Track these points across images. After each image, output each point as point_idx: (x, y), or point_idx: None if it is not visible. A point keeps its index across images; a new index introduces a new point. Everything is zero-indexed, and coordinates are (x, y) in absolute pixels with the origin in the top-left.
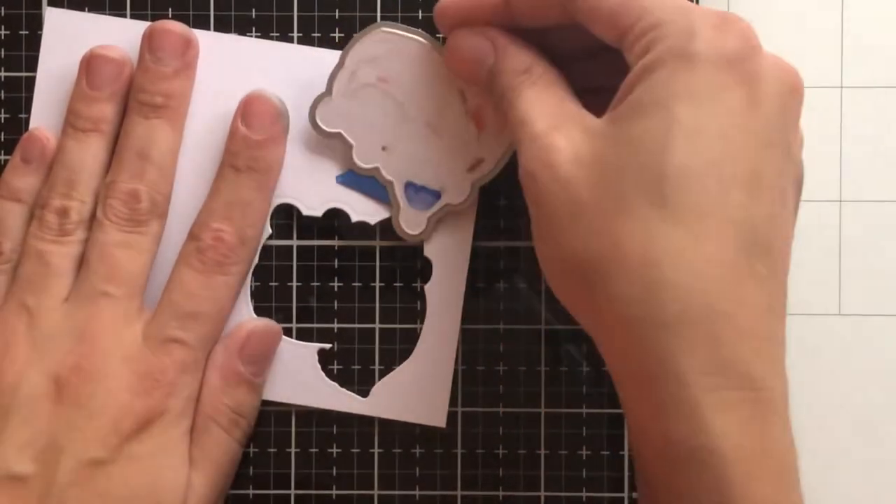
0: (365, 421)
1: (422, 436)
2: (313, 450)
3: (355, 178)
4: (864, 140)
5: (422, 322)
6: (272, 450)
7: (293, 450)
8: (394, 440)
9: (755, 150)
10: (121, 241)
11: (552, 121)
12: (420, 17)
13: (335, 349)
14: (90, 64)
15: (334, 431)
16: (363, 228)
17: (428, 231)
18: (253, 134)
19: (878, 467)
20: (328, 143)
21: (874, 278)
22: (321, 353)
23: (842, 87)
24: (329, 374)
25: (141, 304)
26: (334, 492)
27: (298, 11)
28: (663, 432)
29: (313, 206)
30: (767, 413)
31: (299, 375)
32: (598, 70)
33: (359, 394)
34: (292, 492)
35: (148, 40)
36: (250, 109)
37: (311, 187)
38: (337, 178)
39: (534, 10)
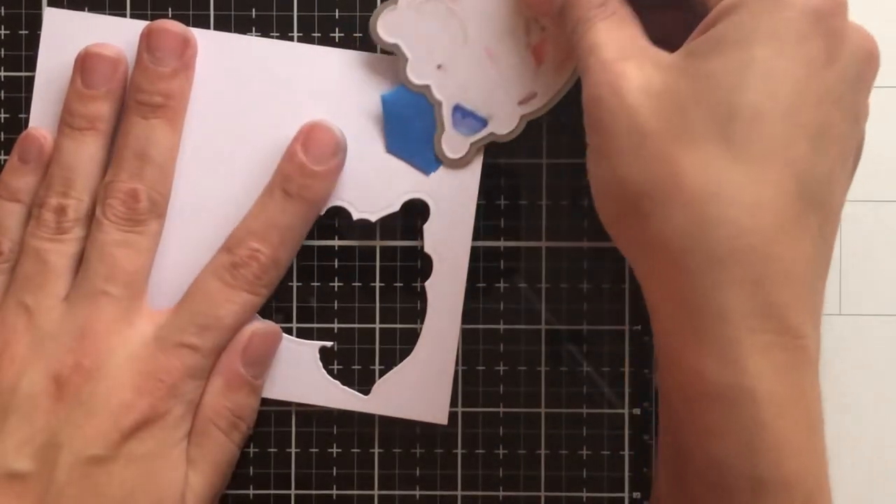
0: (365, 421)
1: (422, 436)
2: (313, 450)
3: (402, 96)
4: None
5: (422, 322)
6: (272, 450)
7: (293, 450)
8: (394, 440)
9: (826, 106)
10: (120, 241)
11: (623, 52)
12: None
13: (335, 349)
14: (85, 62)
15: (334, 431)
16: (364, 227)
17: (468, 158)
18: (310, 163)
19: (879, 467)
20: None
21: (874, 278)
22: (322, 352)
23: None
24: (330, 373)
25: (144, 303)
26: (334, 492)
27: (298, 11)
28: (698, 367)
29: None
30: (802, 362)
31: (301, 374)
32: (669, 21)
33: (360, 393)
34: (292, 492)
35: (146, 40)
36: (312, 137)
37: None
38: (383, 95)
39: None
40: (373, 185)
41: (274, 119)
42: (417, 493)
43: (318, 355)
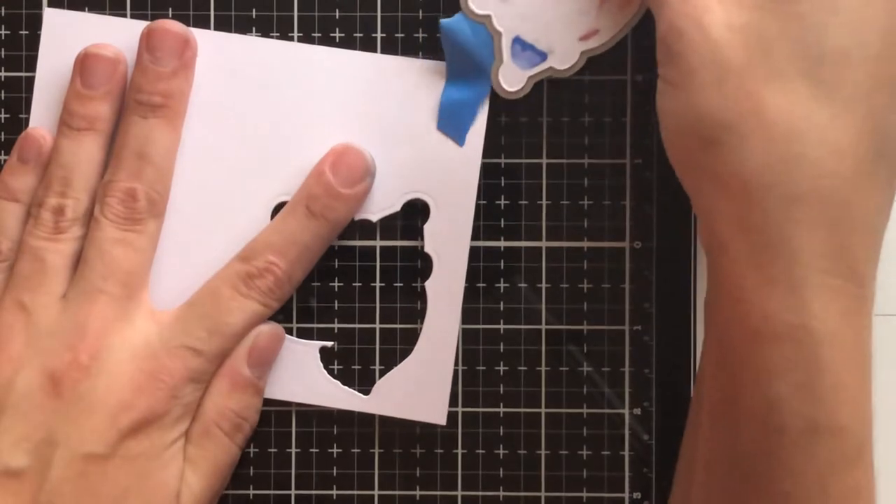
0: (365, 421)
1: (422, 436)
2: (313, 450)
3: (462, 25)
4: None
5: (422, 322)
6: (272, 450)
7: (293, 450)
8: (394, 440)
9: None
10: (118, 239)
11: None
12: (420, 17)
13: (335, 349)
14: (84, 63)
15: (334, 431)
16: (364, 227)
17: (524, 90)
18: (338, 185)
19: (879, 467)
20: (328, 140)
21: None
22: (322, 352)
23: None
24: (330, 373)
25: (145, 302)
26: (334, 492)
27: (298, 11)
28: (763, 305)
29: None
30: (864, 310)
31: (301, 374)
32: None
33: (360, 393)
34: (292, 492)
35: (146, 40)
36: (343, 160)
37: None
38: (442, 22)
39: None
40: (373, 185)
41: (275, 120)
42: (417, 493)
43: (318, 355)
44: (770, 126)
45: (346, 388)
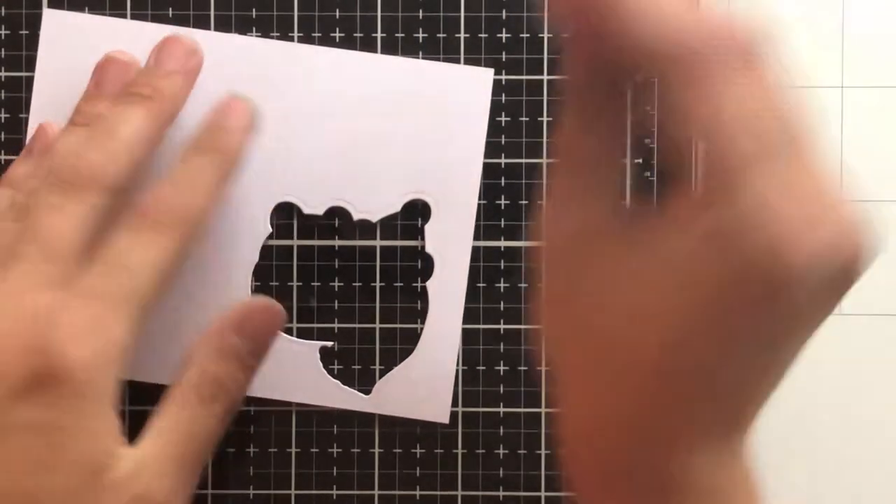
0: (365, 421)
1: (422, 436)
2: (313, 450)
3: None
4: (864, 140)
5: (423, 322)
6: (272, 450)
7: (293, 450)
8: (394, 440)
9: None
10: (53, 204)
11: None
12: (420, 17)
13: (335, 349)
14: (101, 66)
15: (334, 431)
16: (364, 227)
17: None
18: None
19: (880, 467)
20: (327, 141)
21: (874, 278)
22: (322, 352)
23: (842, 87)
24: (330, 373)
25: (67, 273)
26: (334, 492)
27: (298, 11)
28: None
29: (314, 205)
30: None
31: (301, 373)
32: None
33: (360, 393)
34: (292, 492)
35: (155, 49)
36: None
37: (313, 186)
38: None
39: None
40: (373, 185)
41: (275, 120)
42: (417, 493)
43: (318, 355)
44: None
45: (346, 387)
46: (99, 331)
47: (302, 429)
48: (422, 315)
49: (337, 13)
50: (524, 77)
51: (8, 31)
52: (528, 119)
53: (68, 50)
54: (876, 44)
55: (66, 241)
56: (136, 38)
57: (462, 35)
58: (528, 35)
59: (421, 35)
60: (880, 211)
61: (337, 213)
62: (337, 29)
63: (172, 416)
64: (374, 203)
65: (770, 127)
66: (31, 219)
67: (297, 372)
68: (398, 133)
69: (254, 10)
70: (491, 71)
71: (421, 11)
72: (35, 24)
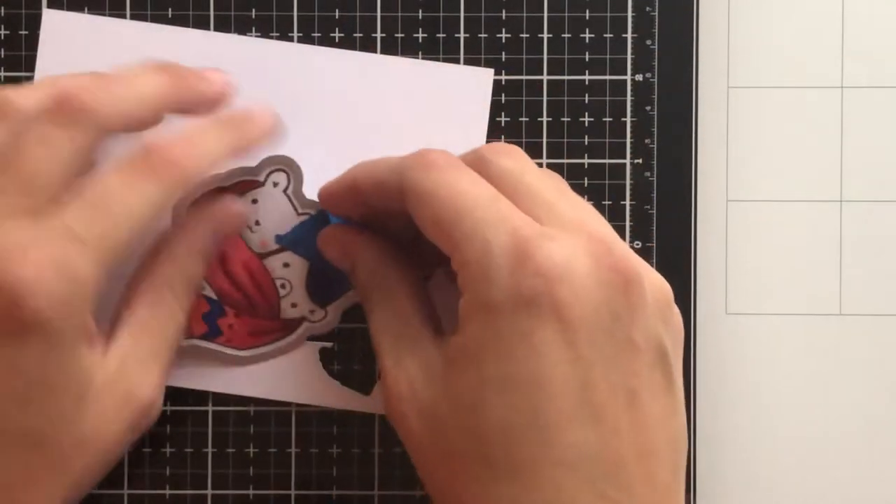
0: (365, 421)
1: None
2: (313, 450)
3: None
4: (864, 140)
5: None
6: (272, 450)
7: (293, 450)
8: (394, 440)
9: (578, 379)
10: (42, 134)
11: (398, 351)
12: (420, 17)
13: (335, 349)
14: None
15: (334, 431)
16: None
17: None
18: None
19: (880, 467)
20: (328, 141)
21: (874, 278)
22: (322, 352)
23: (842, 87)
24: (330, 373)
25: (43, 208)
26: (334, 492)
27: (298, 11)
28: None
29: (316, 206)
30: None
31: (301, 374)
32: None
33: (360, 393)
34: (292, 492)
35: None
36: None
37: (314, 187)
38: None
39: (382, 208)
40: None
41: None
42: (417, 493)
43: (318, 355)
44: None
45: (348, 388)
46: (67, 270)
47: (302, 429)
48: None
49: (337, 13)
50: (524, 77)
51: (8, 32)
52: (527, 119)
53: (68, 50)
54: (876, 45)
55: (45, 175)
56: (133, 39)
57: (462, 35)
58: (527, 35)
59: (420, 35)
60: (880, 211)
61: None
62: (336, 29)
63: (146, 310)
64: None
65: None
66: (15, 148)
67: (296, 372)
68: (399, 133)
69: (253, 10)
70: (491, 71)
71: (420, 11)
72: (35, 24)
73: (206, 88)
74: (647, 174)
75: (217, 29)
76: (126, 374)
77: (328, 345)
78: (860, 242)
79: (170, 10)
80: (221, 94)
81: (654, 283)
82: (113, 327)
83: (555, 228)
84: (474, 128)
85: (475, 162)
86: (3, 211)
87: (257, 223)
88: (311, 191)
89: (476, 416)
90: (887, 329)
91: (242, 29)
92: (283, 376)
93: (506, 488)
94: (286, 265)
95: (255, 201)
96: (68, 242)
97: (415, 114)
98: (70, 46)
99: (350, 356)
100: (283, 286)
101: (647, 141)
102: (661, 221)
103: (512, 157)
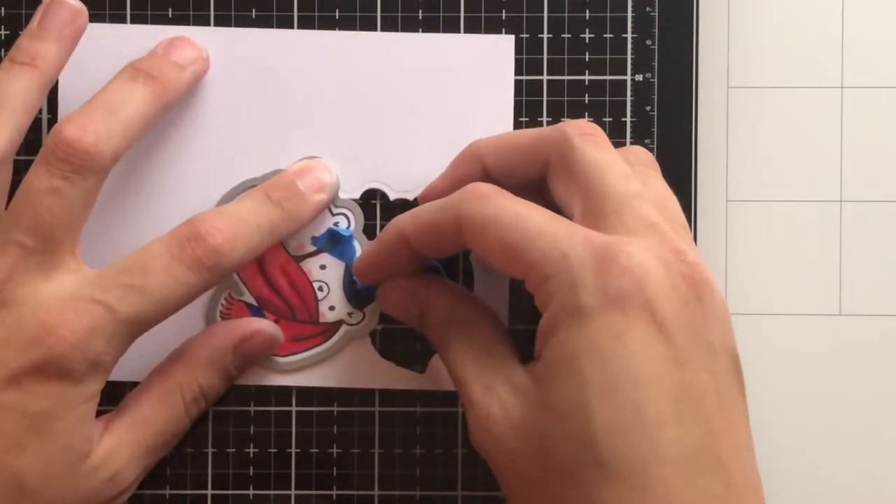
0: (365, 421)
1: (422, 436)
2: (313, 450)
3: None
4: (864, 140)
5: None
6: (272, 450)
7: (293, 450)
8: (394, 440)
9: (673, 377)
10: (50, 189)
11: (485, 379)
12: (420, 17)
13: (385, 330)
14: (48, 7)
15: (334, 431)
16: (404, 206)
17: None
18: (301, 185)
19: (880, 467)
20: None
21: (874, 278)
22: (371, 336)
23: (842, 87)
24: (384, 356)
25: (68, 257)
26: (334, 492)
27: (298, 11)
28: None
29: (350, 189)
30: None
31: (356, 359)
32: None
33: (415, 372)
34: (292, 492)
35: (165, 42)
36: (310, 169)
37: (346, 170)
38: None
39: (436, 250)
40: (406, 163)
41: (300, 107)
42: (417, 493)
43: (370, 339)
44: None
45: (402, 369)
46: (100, 339)
47: (302, 429)
48: (469, 285)
49: (337, 14)
50: (524, 77)
51: (8, 32)
52: (527, 119)
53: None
54: (876, 44)
55: (62, 228)
56: (136, 43)
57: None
58: (527, 35)
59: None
60: (880, 211)
61: (374, 194)
62: (336, 28)
63: (151, 409)
64: (409, 181)
65: None
66: (28, 205)
67: (352, 358)
68: (426, 109)
69: (253, 10)
70: (511, 38)
71: (420, 12)
72: None
73: (185, 80)
74: None
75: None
76: (113, 462)
77: (378, 327)
78: (860, 242)
79: (170, 10)
80: (198, 74)
81: (720, 293)
82: (116, 413)
83: (625, 235)
84: (501, 94)
85: (559, 142)
86: (24, 266)
87: None
88: (348, 180)
89: (581, 421)
90: (887, 329)
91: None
92: (339, 364)
93: (615, 490)
94: (323, 267)
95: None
96: (103, 313)
97: (440, 87)
98: (83, 53)
99: (397, 337)
100: (320, 289)
101: (646, 141)
102: None
103: (600, 148)
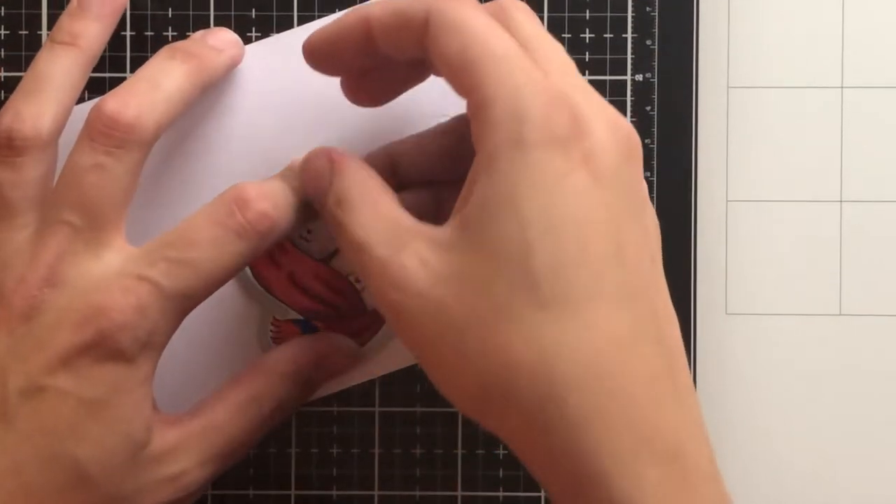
0: (365, 421)
1: (422, 436)
2: (313, 450)
3: None
4: (864, 140)
5: None
6: (272, 450)
7: (293, 450)
8: (394, 440)
9: (613, 225)
10: (94, 165)
11: (394, 242)
12: None
13: None
14: None
15: (334, 431)
16: None
17: None
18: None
19: (879, 467)
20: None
21: (874, 278)
22: None
23: (842, 87)
24: None
25: (117, 238)
26: (334, 492)
27: (298, 11)
28: None
29: None
30: (691, 479)
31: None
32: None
33: None
34: (292, 492)
35: (203, 32)
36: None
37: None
38: None
39: (393, 46)
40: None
41: (299, 115)
42: (417, 493)
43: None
44: (522, 368)
45: None
46: (148, 317)
47: (302, 429)
48: None
49: (337, 13)
50: None
51: (8, 32)
52: None
53: None
54: (876, 44)
55: (109, 205)
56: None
57: None
58: None
59: None
60: (880, 211)
61: None
62: None
63: (226, 417)
64: None
65: None
66: (73, 182)
67: (389, 342)
68: (426, 106)
69: (253, 10)
70: None
71: None
72: (35, 24)
73: (222, 61)
74: (647, 174)
75: None
76: (179, 459)
77: None
78: (860, 242)
79: (170, 9)
80: (235, 59)
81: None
82: (188, 414)
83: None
84: None
85: (496, 11)
86: (73, 245)
87: (309, 231)
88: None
89: (521, 260)
90: (887, 329)
91: (242, 29)
92: (391, 346)
93: (564, 327)
94: None
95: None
96: (151, 291)
97: (440, 90)
98: None
99: None
100: (357, 280)
101: (647, 141)
102: (662, 221)
103: (530, 19)
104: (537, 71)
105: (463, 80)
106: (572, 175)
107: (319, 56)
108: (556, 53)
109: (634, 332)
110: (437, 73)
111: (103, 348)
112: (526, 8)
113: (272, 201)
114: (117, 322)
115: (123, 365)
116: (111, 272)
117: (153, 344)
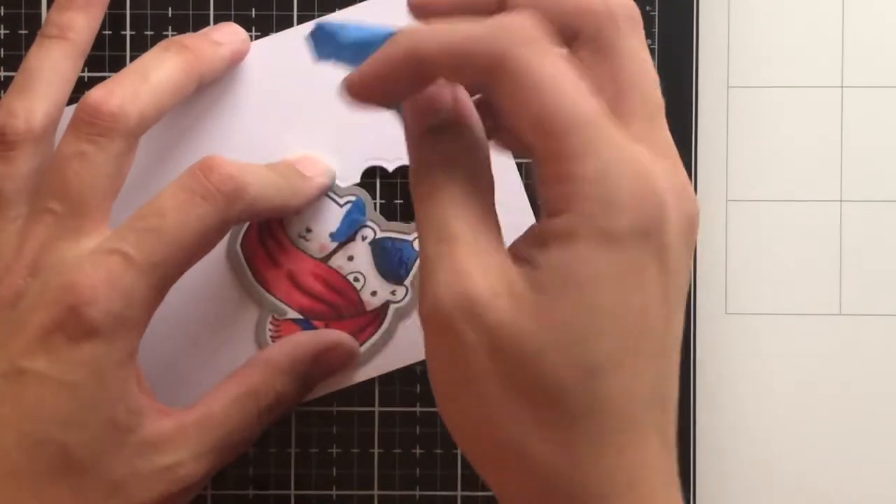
0: (365, 421)
1: (422, 436)
2: (313, 450)
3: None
4: (864, 140)
5: None
6: (272, 450)
7: (293, 450)
8: (394, 440)
9: (668, 316)
10: (76, 153)
11: (477, 234)
12: None
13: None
14: None
15: (334, 431)
16: (404, 171)
17: None
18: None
19: (880, 467)
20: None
21: (874, 278)
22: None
23: (842, 86)
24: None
25: (99, 225)
26: (334, 492)
27: (298, 11)
28: None
29: (351, 175)
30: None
31: (412, 334)
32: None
33: None
34: (292, 492)
35: (208, 28)
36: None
37: (346, 159)
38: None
39: (453, 77)
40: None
41: (290, 104)
42: (417, 493)
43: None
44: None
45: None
46: (120, 287)
47: (302, 429)
48: None
49: (336, 13)
50: None
51: (8, 31)
52: None
53: None
54: (876, 44)
55: (90, 193)
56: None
57: None
58: None
59: None
60: (880, 211)
61: (373, 172)
62: None
63: (223, 409)
64: (400, 149)
65: None
66: (56, 170)
67: (406, 335)
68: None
69: (253, 10)
70: None
71: None
72: (35, 24)
73: (221, 55)
74: None
75: None
76: (176, 449)
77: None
78: (860, 242)
79: (170, 9)
80: (238, 53)
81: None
82: (186, 408)
83: (650, 150)
84: None
85: (605, 25)
86: (55, 233)
87: (308, 230)
88: (346, 167)
89: (585, 346)
90: (887, 329)
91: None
92: (396, 345)
93: (600, 424)
94: (350, 258)
95: (297, 212)
96: (120, 262)
97: None
98: None
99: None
100: (356, 279)
101: None
102: None
103: (636, 44)
104: (621, 134)
105: (539, 142)
106: (648, 268)
107: (363, 97)
108: (644, 97)
109: (653, 428)
110: (499, 116)
111: (76, 324)
112: (636, 19)
113: (238, 166)
114: (86, 296)
115: (100, 344)
116: (86, 252)
117: (129, 320)
